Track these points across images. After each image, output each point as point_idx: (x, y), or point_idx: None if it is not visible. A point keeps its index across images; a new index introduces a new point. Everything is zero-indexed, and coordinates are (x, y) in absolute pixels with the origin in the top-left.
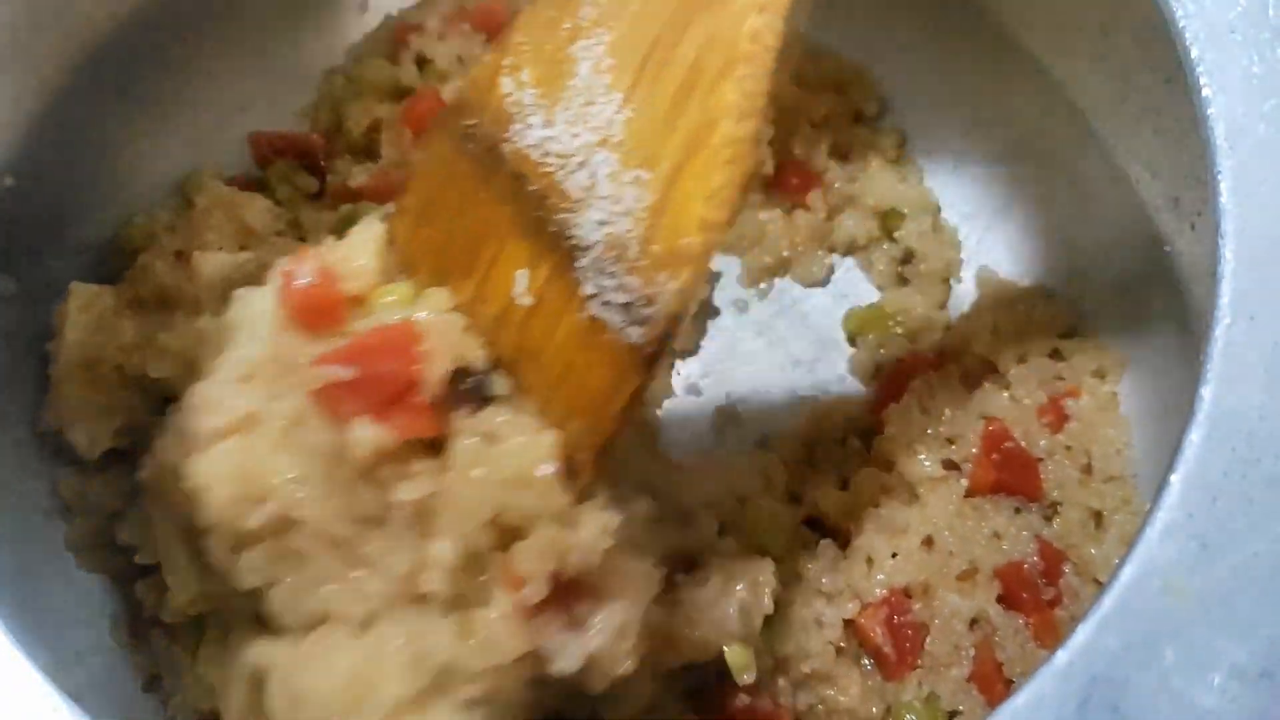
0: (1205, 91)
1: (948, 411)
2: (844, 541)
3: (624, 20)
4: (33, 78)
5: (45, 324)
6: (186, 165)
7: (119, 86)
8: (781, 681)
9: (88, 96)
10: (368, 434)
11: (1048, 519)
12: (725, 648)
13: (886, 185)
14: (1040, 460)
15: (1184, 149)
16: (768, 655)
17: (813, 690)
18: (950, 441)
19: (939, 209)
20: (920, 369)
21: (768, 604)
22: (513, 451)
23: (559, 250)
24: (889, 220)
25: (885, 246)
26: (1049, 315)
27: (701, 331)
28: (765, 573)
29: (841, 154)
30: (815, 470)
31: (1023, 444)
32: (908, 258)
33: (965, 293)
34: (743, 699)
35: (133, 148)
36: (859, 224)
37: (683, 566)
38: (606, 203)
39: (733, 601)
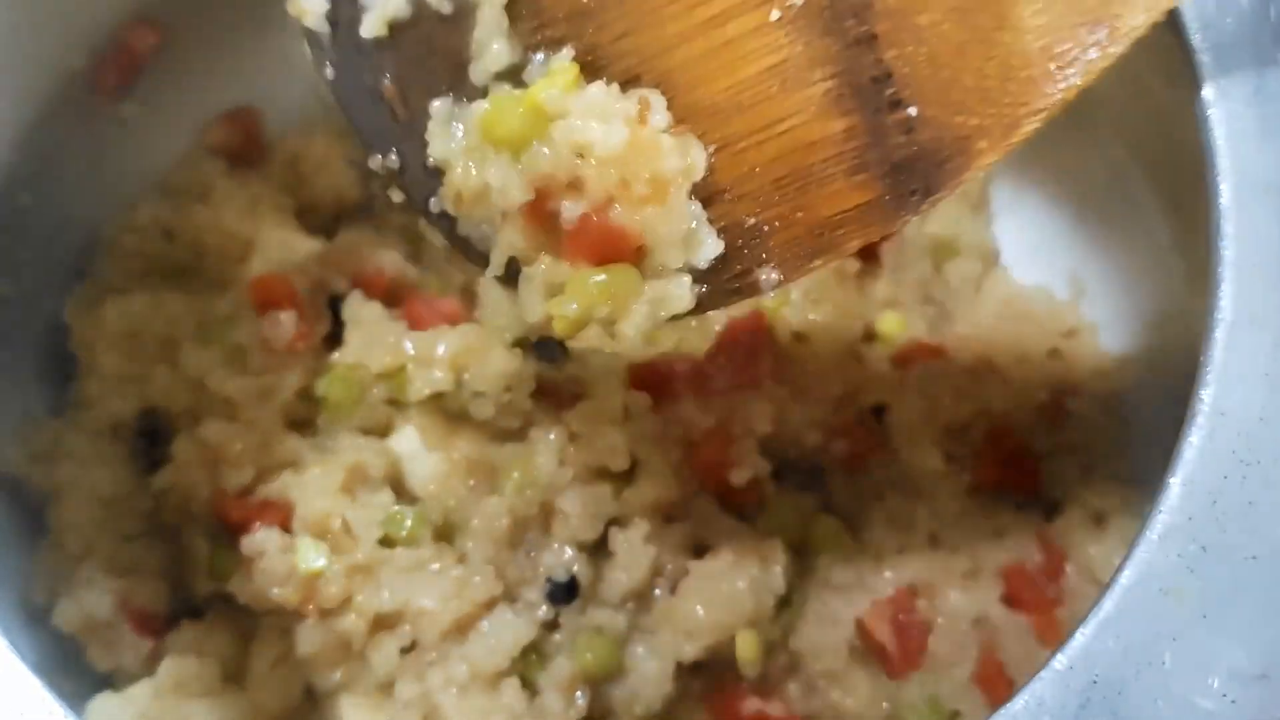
0: (1206, 93)
1: (947, 400)
2: (851, 527)
3: None
4: (33, 78)
5: (43, 325)
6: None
7: (118, 86)
8: (792, 686)
9: (87, 96)
10: None
11: (1049, 518)
12: (737, 635)
13: (951, 218)
14: (1042, 459)
15: (1185, 150)
16: (783, 653)
17: (822, 693)
18: (950, 432)
19: (998, 256)
20: (920, 356)
21: (779, 582)
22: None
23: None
24: (940, 253)
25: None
26: (1050, 314)
27: None
28: (775, 551)
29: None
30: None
31: (1024, 443)
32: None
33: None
34: (753, 703)
35: (131, 149)
36: (914, 268)
37: (694, 551)
38: None
39: (744, 578)
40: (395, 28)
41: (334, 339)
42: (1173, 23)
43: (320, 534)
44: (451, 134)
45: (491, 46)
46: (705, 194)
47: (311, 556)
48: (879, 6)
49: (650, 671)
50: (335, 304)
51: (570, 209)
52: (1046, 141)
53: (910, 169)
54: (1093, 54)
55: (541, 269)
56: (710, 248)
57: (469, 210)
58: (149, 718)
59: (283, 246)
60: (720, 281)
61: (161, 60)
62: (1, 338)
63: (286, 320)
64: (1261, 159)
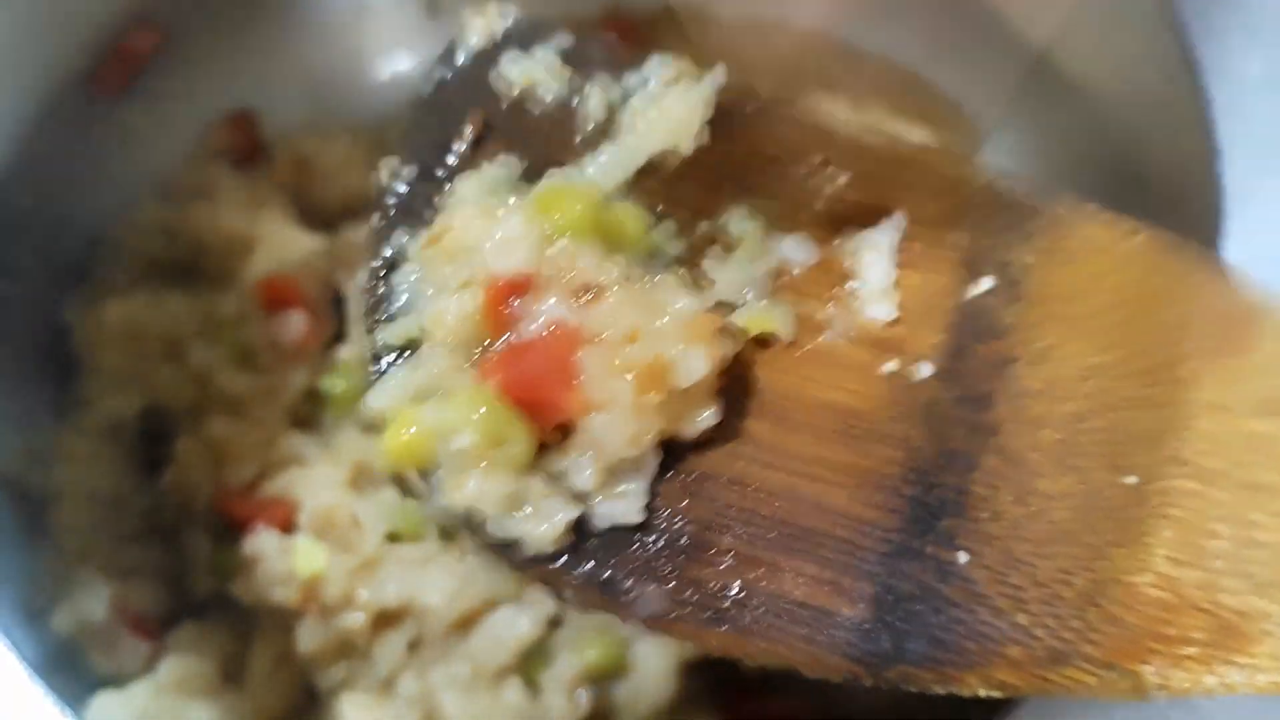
0: (1206, 86)
1: None
2: None
3: None
4: (32, 78)
5: (44, 326)
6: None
7: (118, 87)
8: (795, 684)
9: (87, 97)
10: None
11: None
12: None
13: None
14: None
15: (1186, 150)
16: None
17: (824, 692)
18: None
19: None
20: None
21: None
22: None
23: None
24: None
25: None
26: None
27: None
28: None
29: None
30: None
31: None
32: None
33: None
34: (756, 702)
35: (130, 150)
36: None
37: None
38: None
39: None
40: (527, 90)
41: (337, 338)
42: (1173, 23)
43: (326, 529)
44: (492, 189)
45: (608, 169)
46: (673, 463)
47: (311, 558)
48: (1001, 441)
49: (653, 670)
50: (338, 303)
51: (555, 308)
52: (1045, 139)
53: (911, 619)
54: (1208, 679)
55: (440, 363)
56: (623, 510)
57: (437, 257)
58: (149, 717)
59: (285, 244)
60: (594, 559)
61: (161, 61)
62: (2, 338)
63: (297, 320)
64: (1262, 158)
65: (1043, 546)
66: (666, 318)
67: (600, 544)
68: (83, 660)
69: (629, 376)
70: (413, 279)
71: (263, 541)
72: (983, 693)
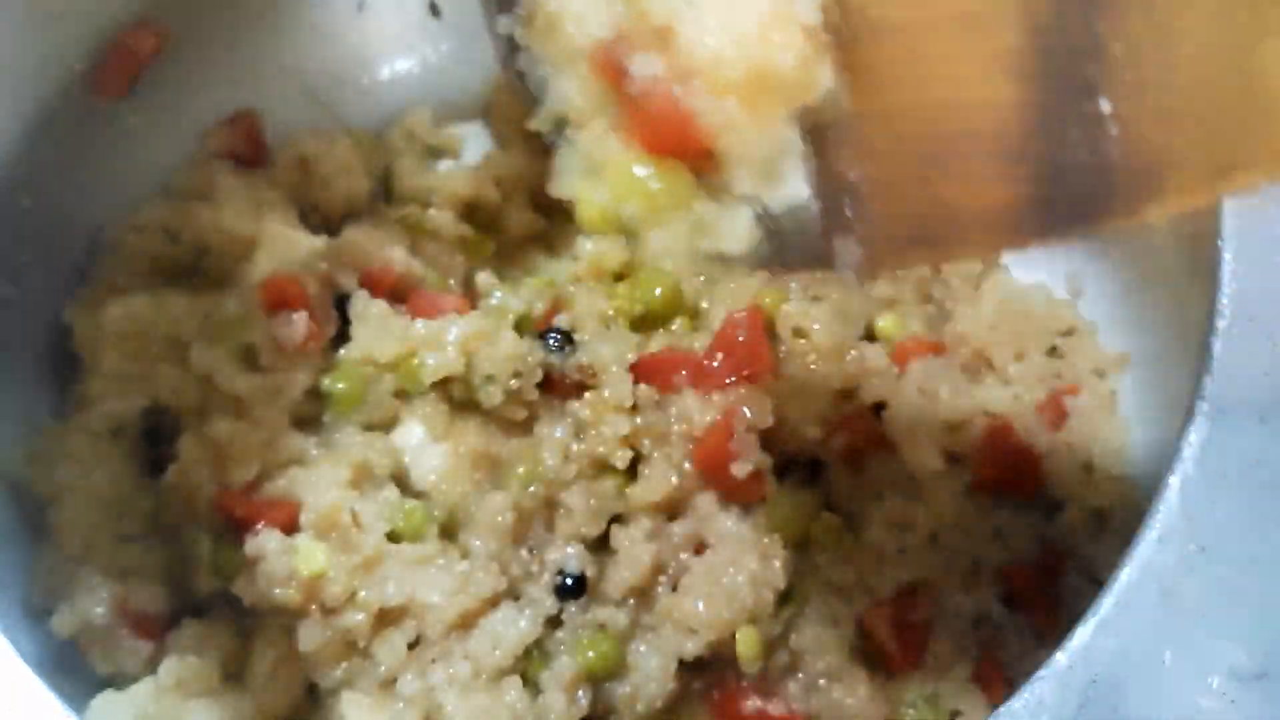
0: None
1: (945, 397)
2: (852, 526)
3: None
4: (34, 81)
5: (45, 327)
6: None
7: (119, 89)
8: (792, 685)
9: (86, 100)
10: None
11: (1049, 517)
12: (737, 632)
13: None
14: (1041, 458)
15: None
16: (784, 651)
17: (822, 692)
18: (949, 430)
19: (997, 256)
20: (919, 352)
21: (779, 577)
22: None
23: None
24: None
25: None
26: (1049, 313)
27: None
28: (775, 546)
29: None
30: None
31: (1024, 442)
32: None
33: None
34: (754, 701)
35: (131, 152)
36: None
37: (695, 548)
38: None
39: (744, 573)
40: None
41: (339, 339)
42: None
43: (327, 529)
44: None
45: None
46: (813, 125)
47: (312, 558)
48: None
49: (652, 669)
50: (341, 303)
51: (643, 65)
52: None
53: (1073, 181)
54: None
55: (588, 138)
56: (792, 190)
57: (538, 39)
58: (150, 717)
59: (287, 245)
60: (786, 238)
61: (161, 63)
62: (3, 340)
63: (299, 321)
64: None
65: (1184, 63)
66: (741, 29)
67: (788, 222)
68: (83, 660)
69: (732, 99)
70: (533, 61)
71: (264, 541)
72: (1165, 216)
